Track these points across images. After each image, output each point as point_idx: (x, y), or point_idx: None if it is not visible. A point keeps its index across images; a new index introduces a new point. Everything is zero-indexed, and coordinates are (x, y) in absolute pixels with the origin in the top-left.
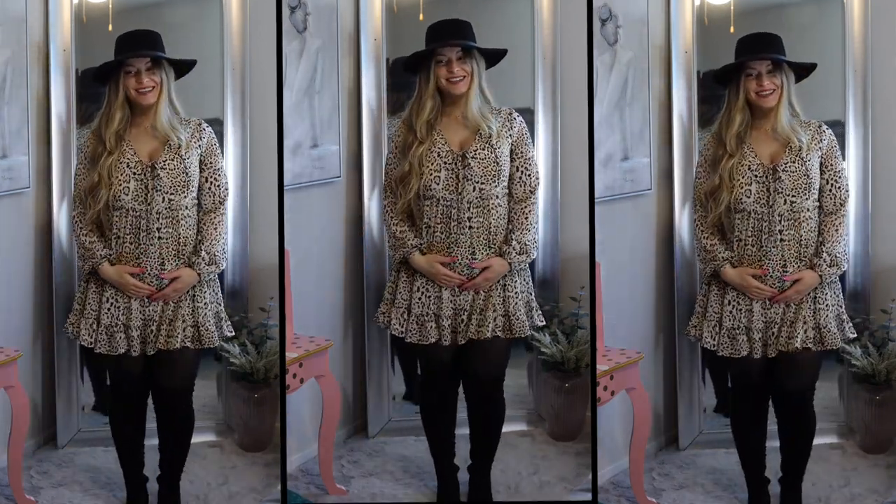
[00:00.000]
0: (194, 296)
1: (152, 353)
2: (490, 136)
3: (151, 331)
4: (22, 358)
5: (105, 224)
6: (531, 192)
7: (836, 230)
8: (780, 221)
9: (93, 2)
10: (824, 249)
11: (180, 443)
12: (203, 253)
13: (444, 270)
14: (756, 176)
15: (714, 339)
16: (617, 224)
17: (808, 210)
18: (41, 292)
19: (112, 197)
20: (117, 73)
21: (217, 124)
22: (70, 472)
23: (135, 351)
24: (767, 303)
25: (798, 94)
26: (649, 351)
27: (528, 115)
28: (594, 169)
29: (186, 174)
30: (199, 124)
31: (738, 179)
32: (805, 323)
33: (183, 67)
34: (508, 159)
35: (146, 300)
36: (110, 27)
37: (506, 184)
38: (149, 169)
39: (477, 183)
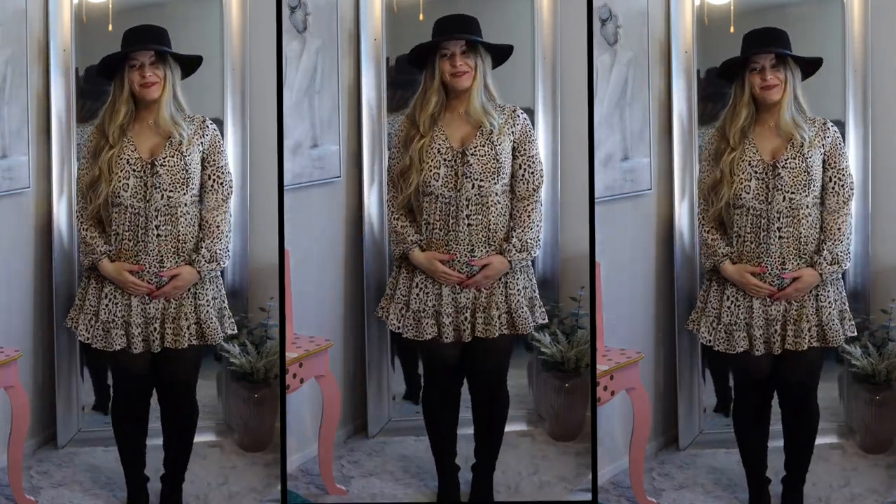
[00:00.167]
0: (196, 293)
1: (158, 350)
2: (491, 133)
3: (155, 328)
4: (22, 358)
5: (105, 220)
6: (535, 189)
7: (839, 228)
8: (778, 218)
9: (93, 2)
10: (825, 247)
11: (184, 439)
12: (204, 250)
13: (443, 268)
14: (756, 172)
15: (711, 335)
16: (617, 224)
17: (807, 207)
18: (41, 292)
19: (111, 193)
20: (122, 67)
21: (217, 124)
22: (70, 472)
23: (135, 348)
24: (768, 300)
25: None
26: (649, 351)
27: (528, 114)
28: (594, 169)
29: (186, 171)
30: (203, 121)
31: (739, 175)
32: (808, 321)
33: (190, 65)
34: (510, 157)
35: (146, 298)
36: (110, 27)
37: (506, 181)
38: (148, 166)
39: (476, 180)
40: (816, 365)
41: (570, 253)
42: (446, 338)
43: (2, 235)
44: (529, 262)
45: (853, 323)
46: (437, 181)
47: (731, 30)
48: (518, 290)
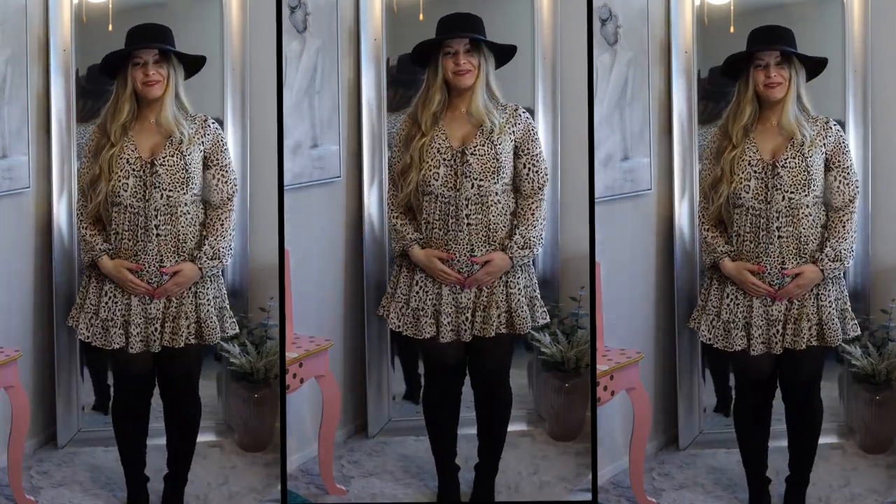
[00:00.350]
0: (196, 292)
1: (158, 350)
2: (492, 132)
3: (156, 328)
4: (22, 358)
5: (105, 219)
6: (539, 187)
7: (844, 226)
8: (777, 218)
9: (93, 2)
10: (829, 245)
11: (187, 437)
12: (207, 247)
13: (441, 266)
14: (755, 171)
15: (710, 332)
16: (617, 224)
17: (807, 206)
18: (41, 292)
19: (111, 192)
20: (125, 66)
21: (216, 124)
22: (70, 472)
23: (133, 348)
24: (769, 300)
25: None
26: (649, 351)
27: (528, 114)
28: (594, 169)
29: (186, 171)
30: (205, 120)
31: (738, 174)
32: (809, 320)
33: (193, 65)
34: (510, 156)
35: (146, 298)
36: (110, 27)
37: (506, 181)
38: (148, 165)
39: (476, 180)
40: (819, 362)
41: (570, 253)
42: (444, 337)
43: (2, 235)
44: (530, 262)
45: (856, 322)
46: (437, 180)
47: (732, 30)
48: (519, 289)
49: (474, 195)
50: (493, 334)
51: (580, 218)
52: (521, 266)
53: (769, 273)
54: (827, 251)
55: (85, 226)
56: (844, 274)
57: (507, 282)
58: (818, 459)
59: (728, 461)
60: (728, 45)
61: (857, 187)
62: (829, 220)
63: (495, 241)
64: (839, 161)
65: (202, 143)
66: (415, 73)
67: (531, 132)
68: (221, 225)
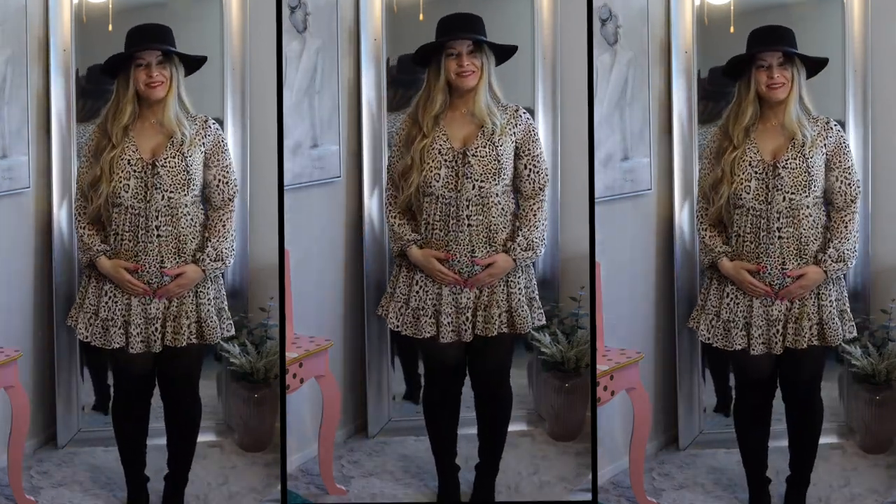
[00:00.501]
0: (197, 292)
1: (159, 350)
2: (493, 133)
3: (156, 328)
4: (22, 358)
5: (105, 219)
6: (540, 188)
7: (846, 226)
8: (778, 218)
9: (93, 2)
10: (832, 245)
11: (188, 436)
12: (210, 249)
13: (440, 266)
14: (756, 172)
15: (709, 332)
16: (617, 224)
17: (807, 207)
18: (41, 292)
19: (112, 193)
20: (127, 66)
21: (217, 124)
22: (70, 472)
23: (134, 348)
24: (769, 300)
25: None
26: (649, 351)
27: (528, 115)
28: (594, 169)
29: (188, 172)
30: (206, 121)
31: (739, 175)
32: (810, 320)
33: (192, 64)
34: (511, 157)
35: (147, 298)
36: (110, 27)
37: (507, 182)
38: (149, 166)
39: (477, 181)
40: (820, 362)
41: (570, 253)
42: (444, 338)
43: (2, 235)
44: (531, 263)
45: (853, 324)
46: (438, 182)
47: (732, 30)
48: (519, 288)
49: (475, 196)
50: (494, 334)
51: (580, 218)
52: (522, 267)
53: (769, 273)
54: (830, 252)
55: (83, 226)
56: (844, 275)
57: (507, 281)
58: (818, 459)
59: (728, 461)
60: (728, 45)
61: (858, 187)
62: (831, 220)
63: (496, 242)
64: (840, 161)
65: (203, 143)
66: (415, 73)
67: (532, 133)
68: (223, 226)
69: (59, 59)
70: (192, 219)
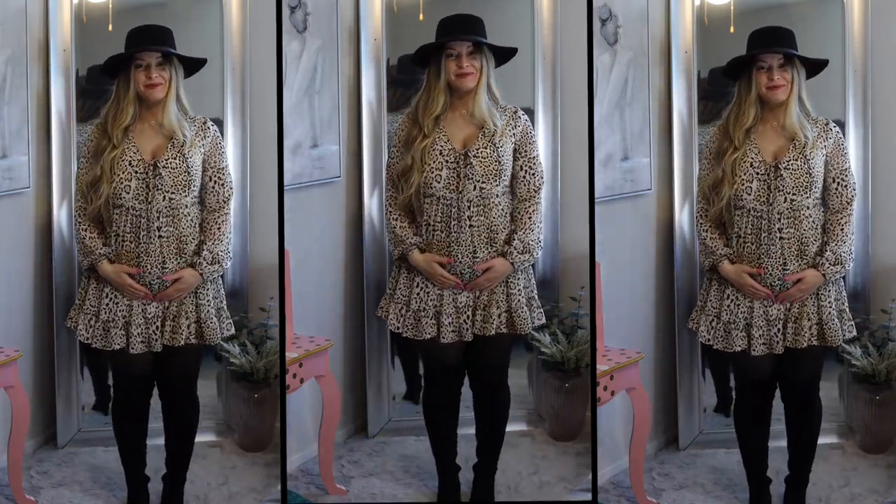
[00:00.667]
0: (196, 292)
1: (159, 349)
2: (493, 134)
3: (157, 327)
4: (22, 358)
5: (106, 220)
6: (535, 191)
7: (842, 229)
8: (779, 219)
9: (93, 2)
10: (828, 248)
11: (185, 436)
12: (205, 252)
13: (441, 271)
14: (758, 173)
15: (710, 333)
16: (617, 224)
17: (808, 208)
18: (41, 292)
19: (113, 194)
20: (127, 67)
21: (217, 124)
22: (70, 472)
23: (134, 348)
24: (769, 301)
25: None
26: (649, 351)
27: (528, 115)
28: (594, 169)
29: (188, 173)
30: (204, 122)
31: (740, 175)
32: (810, 320)
33: (192, 66)
34: (511, 158)
35: (146, 300)
36: (110, 27)
37: (507, 183)
38: (151, 167)
39: (478, 182)
40: (819, 362)
41: (570, 253)
42: (445, 338)
43: (2, 235)
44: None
45: (852, 324)
46: (439, 182)
47: (732, 30)
48: (519, 289)
49: (476, 197)
50: (493, 332)
51: (580, 218)
52: (521, 268)
53: (770, 274)
54: (827, 255)
55: (84, 228)
56: (844, 275)
57: (507, 282)
58: (818, 459)
59: (728, 461)
60: (728, 45)
61: (854, 190)
62: (827, 222)
63: (497, 243)
64: (838, 163)
65: (202, 145)
66: (415, 72)
67: (529, 135)
68: (219, 229)
69: (59, 59)
70: (192, 219)
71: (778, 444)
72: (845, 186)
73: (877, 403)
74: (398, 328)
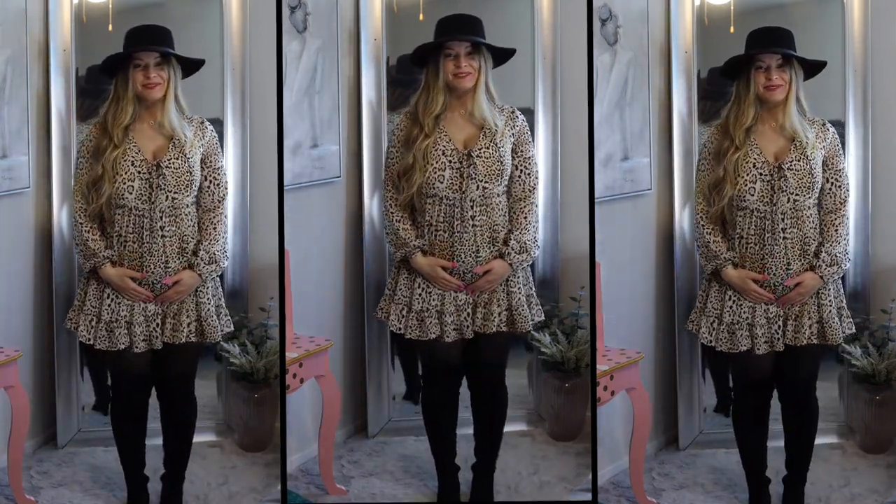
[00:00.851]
0: (197, 291)
1: (159, 348)
2: (495, 134)
3: (157, 325)
4: (22, 358)
5: (107, 221)
6: (531, 191)
7: (836, 230)
8: (782, 220)
9: (93, 2)
10: (824, 249)
11: (183, 436)
12: (203, 252)
13: (444, 275)
14: (761, 174)
15: (711, 335)
16: (617, 224)
17: (809, 208)
18: (41, 292)
19: (115, 194)
20: (126, 67)
21: (217, 124)
22: (70, 472)
23: (137, 347)
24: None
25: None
26: (649, 351)
27: (528, 115)
28: (594, 169)
29: (190, 173)
30: (202, 122)
31: (743, 176)
32: (810, 318)
33: (190, 66)
34: (510, 157)
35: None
36: (110, 27)
37: (507, 182)
38: (154, 168)
39: (481, 182)
40: (817, 360)
41: (570, 253)
42: (447, 337)
43: (2, 235)
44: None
45: (851, 321)
46: (442, 182)
47: (731, 30)
48: (519, 287)
49: (479, 197)
50: (493, 330)
51: (580, 218)
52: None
53: (774, 274)
54: (823, 257)
55: (87, 229)
56: (843, 275)
57: (507, 281)
58: (819, 459)
59: (728, 461)
60: (728, 45)
61: (847, 190)
62: (822, 223)
63: (499, 243)
64: (833, 164)
65: (202, 144)
66: (414, 72)
67: (526, 135)
68: (214, 229)
69: (59, 59)
70: (192, 219)
71: (775, 444)
72: (839, 187)
73: (877, 403)
74: (400, 329)
